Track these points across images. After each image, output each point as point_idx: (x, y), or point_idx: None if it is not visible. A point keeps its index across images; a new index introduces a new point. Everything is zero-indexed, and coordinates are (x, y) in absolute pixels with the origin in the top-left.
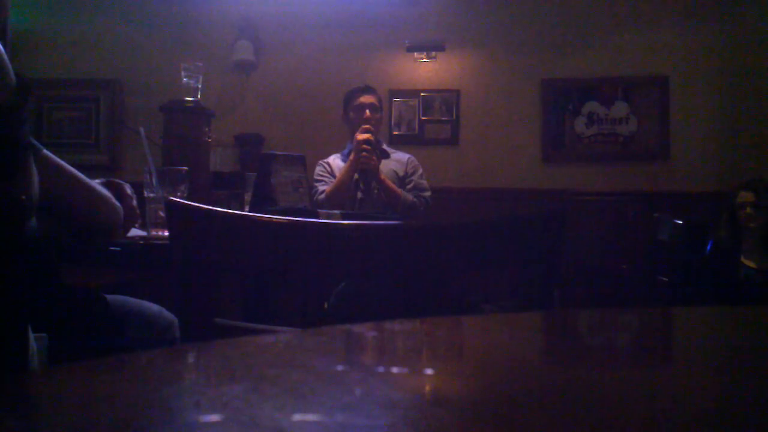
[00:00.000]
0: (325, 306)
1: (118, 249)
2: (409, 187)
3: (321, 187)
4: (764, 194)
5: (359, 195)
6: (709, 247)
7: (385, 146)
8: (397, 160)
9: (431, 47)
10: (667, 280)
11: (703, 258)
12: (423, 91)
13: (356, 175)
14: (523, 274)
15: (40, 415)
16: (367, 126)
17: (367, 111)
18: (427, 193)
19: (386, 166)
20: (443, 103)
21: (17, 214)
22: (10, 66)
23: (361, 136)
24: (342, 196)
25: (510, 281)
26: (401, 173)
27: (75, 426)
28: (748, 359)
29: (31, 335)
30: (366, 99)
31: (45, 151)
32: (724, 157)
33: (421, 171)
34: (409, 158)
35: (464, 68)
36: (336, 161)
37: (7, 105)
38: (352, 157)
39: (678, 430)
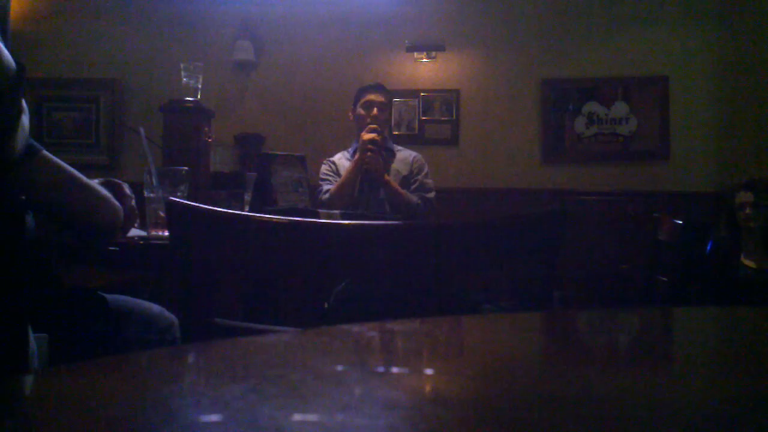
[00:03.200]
0: (325, 306)
1: (118, 249)
2: (413, 187)
3: (326, 186)
4: (764, 194)
5: (364, 196)
6: (709, 247)
7: (391, 145)
8: (402, 160)
9: (431, 47)
10: (667, 280)
11: (703, 258)
12: (423, 91)
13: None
14: (523, 274)
15: (40, 415)
16: (374, 126)
17: (375, 109)
18: (431, 194)
19: (391, 166)
20: (443, 103)
21: (17, 214)
22: (7, 52)
23: (366, 136)
24: (346, 197)
25: (510, 281)
26: (405, 172)
27: (75, 426)
28: (748, 359)
29: (31, 335)
30: (375, 97)
31: (44, 152)
32: (724, 157)
33: (426, 170)
34: (414, 157)
35: (464, 68)
36: (342, 160)
37: (6, 89)
38: (357, 156)
39: (678, 431)
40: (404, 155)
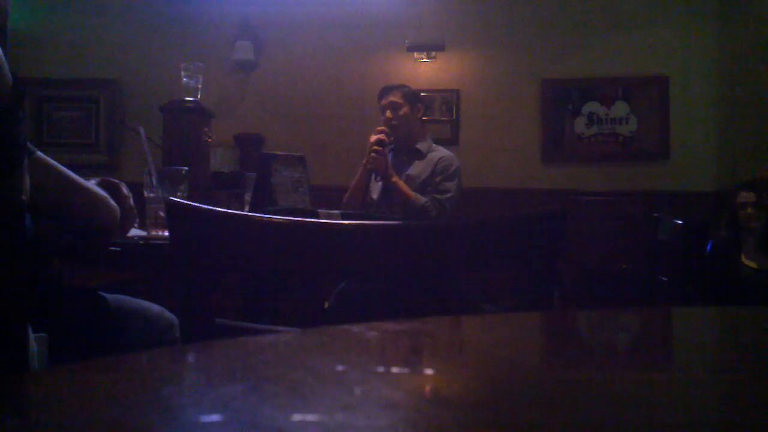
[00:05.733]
0: (325, 306)
1: (118, 249)
2: (429, 188)
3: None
4: (765, 194)
5: (386, 199)
6: (709, 247)
7: (419, 146)
8: (428, 162)
9: (431, 47)
10: (667, 280)
11: (703, 258)
12: (423, 91)
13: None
14: (523, 274)
15: (40, 415)
16: (382, 128)
17: (388, 112)
18: (446, 196)
19: (415, 168)
20: (443, 103)
21: (17, 214)
22: (7, 66)
23: (372, 138)
24: (357, 198)
25: (510, 281)
26: (425, 175)
27: (75, 426)
28: (748, 359)
29: (31, 335)
30: (385, 100)
31: (38, 153)
32: (724, 157)
33: (450, 172)
34: (440, 158)
35: (464, 68)
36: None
37: (3, 106)
38: (365, 160)
39: (678, 430)
40: (433, 156)
